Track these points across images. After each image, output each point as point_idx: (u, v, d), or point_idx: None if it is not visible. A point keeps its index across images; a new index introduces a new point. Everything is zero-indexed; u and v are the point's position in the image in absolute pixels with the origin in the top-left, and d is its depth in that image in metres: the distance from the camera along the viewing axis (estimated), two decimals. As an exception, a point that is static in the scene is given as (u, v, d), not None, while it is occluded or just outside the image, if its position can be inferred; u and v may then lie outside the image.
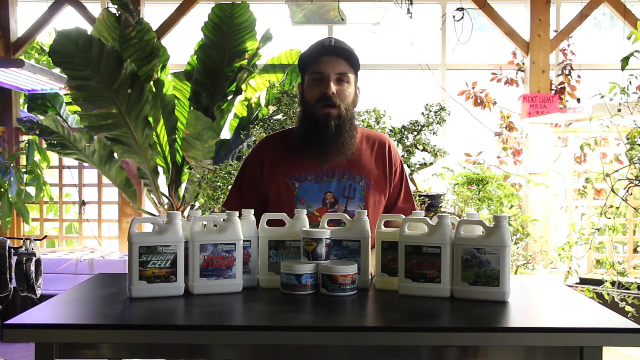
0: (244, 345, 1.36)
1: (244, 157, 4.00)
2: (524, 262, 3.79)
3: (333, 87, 1.88)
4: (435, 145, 3.74)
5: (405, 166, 3.73)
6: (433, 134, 3.75)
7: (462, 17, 4.69)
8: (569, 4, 5.14)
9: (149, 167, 4.25)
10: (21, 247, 2.97)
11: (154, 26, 4.29)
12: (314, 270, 1.59)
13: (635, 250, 4.52)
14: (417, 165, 3.75)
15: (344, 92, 1.91)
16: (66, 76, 3.85)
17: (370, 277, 1.69)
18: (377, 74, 5.43)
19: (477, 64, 5.29)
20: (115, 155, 4.32)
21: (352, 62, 1.93)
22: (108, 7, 4.09)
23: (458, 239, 1.54)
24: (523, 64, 4.90)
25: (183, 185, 4.59)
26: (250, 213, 1.70)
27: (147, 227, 3.81)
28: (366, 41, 5.21)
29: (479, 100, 5.11)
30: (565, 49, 5.05)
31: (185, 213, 4.23)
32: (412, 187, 3.77)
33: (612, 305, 3.25)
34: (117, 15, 4.03)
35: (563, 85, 5.03)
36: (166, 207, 4.49)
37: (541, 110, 4.54)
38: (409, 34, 4.93)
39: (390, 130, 3.73)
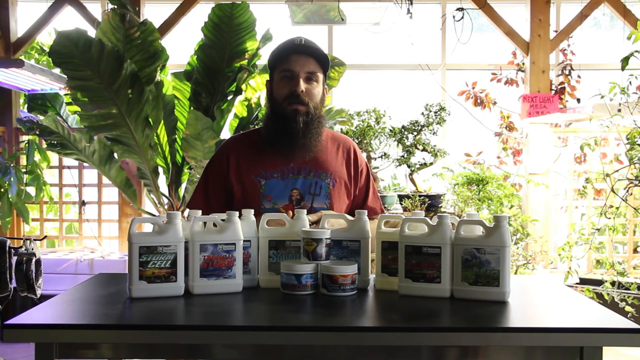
0: (244, 345, 1.36)
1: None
2: (524, 262, 3.79)
3: (302, 86, 1.91)
4: (435, 145, 3.74)
5: (409, 167, 3.74)
6: (433, 134, 3.76)
7: (462, 17, 4.69)
8: (569, 4, 5.14)
9: (149, 167, 4.25)
10: (21, 247, 2.97)
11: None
12: (314, 271, 1.59)
13: (635, 250, 4.51)
14: (417, 165, 3.75)
15: (312, 91, 1.93)
16: (66, 76, 3.85)
17: (369, 277, 1.69)
18: (377, 74, 5.43)
19: (477, 64, 5.29)
20: (115, 155, 4.32)
21: (322, 62, 1.95)
22: (113, 8, 4.09)
23: (458, 239, 1.54)
24: (523, 64, 4.90)
25: (183, 186, 4.59)
26: (250, 213, 1.70)
27: (147, 227, 3.81)
28: (366, 41, 5.21)
29: (479, 100, 5.11)
30: (565, 49, 5.05)
31: (185, 213, 4.22)
32: (412, 187, 3.80)
33: (612, 305, 3.25)
34: (122, 15, 4.03)
35: (563, 86, 5.03)
36: (166, 207, 4.49)
37: (541, 111, 4.54)
38: (409, 34, 4.93)
39: (390, 130, 3.73)
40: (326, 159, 2.01)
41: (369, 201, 2.08)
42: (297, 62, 1.91)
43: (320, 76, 1.96)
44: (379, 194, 2.19)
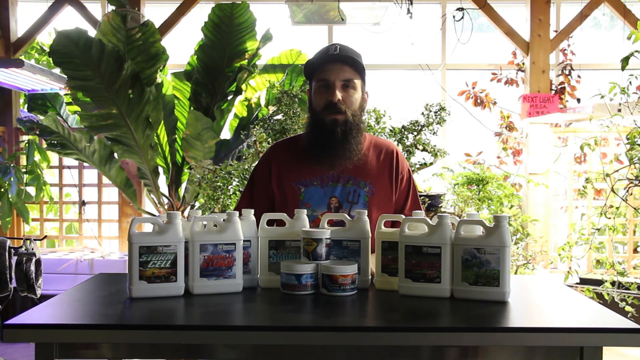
0: (244, 345, 1.36)
1: (244, 157, 4.00)
2: (524, 262, 3.79)
3: (338, 94, 1.90)
4: (435, 145, 3.74)
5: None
6: (433, 134, 3.75)
7: (462, 17, 4.69)
8: (569, 4, 5.14)
9: (149, 168, 4.25)
10: (21, 247, 2.97)
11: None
12: (314, 270, 1.59)
13: (635, 250, 4.51)
14: (417, 165, 3.74)
15: (350, 98, 1.93)
16: (66, 76, 3.85)
17: (370, 277, 1.69)
18: (377, 74, 5.42)
19: (477, 64, 5.29)
20: (116, 155, 4.32)
21: (358, 68, 1.94)
22: (114, 9, 4.08)
23: (458, 239, 1.54)
24: (523, 64, 4.90)
25: (183, 186, 4.59)
26: (250, 213, 1.70)
27: (147, 227, 3.81)
28: (366, 41, 5.21)
29: (479, 100, 5.10)
30: (565, 49, 5.05)
31: (185, 213, 4.23)
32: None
33: (612, 305, 3.25)
34: (123, 15, 4.02)
35: (563, 85, 5.03)
36: (166, 207, 4.49)
37: (541, 110, 4.54)
38: (409, 34, 4.93)
39: (390, 130, 3.73)
40: (366, 167, 1.99)
41: (407, 209, 2.02)
42: (332, 70, 1.91)
43: (358, 82, 1.95)
44: None
